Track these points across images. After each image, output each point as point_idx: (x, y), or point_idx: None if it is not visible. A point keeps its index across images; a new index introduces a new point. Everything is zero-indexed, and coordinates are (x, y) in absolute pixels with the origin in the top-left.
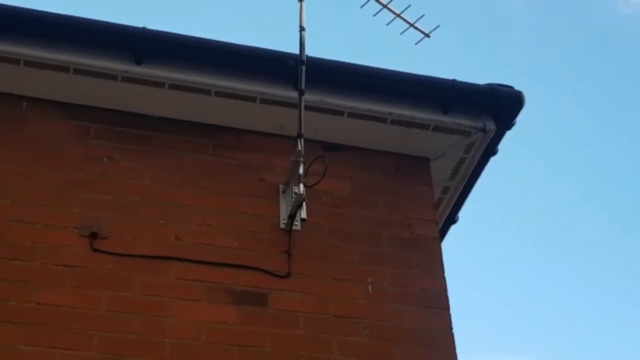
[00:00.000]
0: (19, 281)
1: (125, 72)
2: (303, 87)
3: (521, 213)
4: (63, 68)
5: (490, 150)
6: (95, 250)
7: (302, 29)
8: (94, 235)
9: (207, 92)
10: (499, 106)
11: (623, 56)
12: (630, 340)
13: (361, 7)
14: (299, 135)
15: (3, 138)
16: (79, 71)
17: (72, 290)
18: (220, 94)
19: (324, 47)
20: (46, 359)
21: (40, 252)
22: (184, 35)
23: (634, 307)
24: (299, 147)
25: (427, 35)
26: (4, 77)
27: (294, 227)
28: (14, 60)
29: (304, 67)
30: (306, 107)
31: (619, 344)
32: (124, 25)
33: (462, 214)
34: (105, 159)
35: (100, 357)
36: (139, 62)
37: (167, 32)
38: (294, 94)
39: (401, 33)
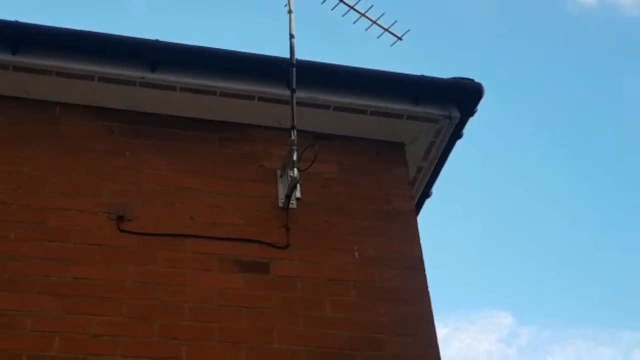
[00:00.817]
0: (57, 259)
1: (142, 78)
2: (294, 86)
3: (485, 185)
4: (89, 77)
5: (456, 134)
6: (122, 230)
7: (291, 36)
8: (120, 218)
9: (212, 93)
10: (462, 97)
11: (570, 53)
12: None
13: (343, 15)
14: (292, 127)
15: (40, 138)
16: (103, 79)
17: (103, 266)
18: (224, 94)
19: (311, 50)
20: (84, 324)
21: (75, 234)
22: (191, 45)
23: (592, 264)
24: (293, 138)
25: (400, 38)
26: (39, 86)
27: (290, 206)
28: (47, 72)
29: (294, 69)
30: (297, 103)
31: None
32: (139, 38)
33: (435, 189)
34: (127, 154)
35: (129, 322)
36: (153, 70)
37: (176, 43)
38: (286, 92)
39: (378, 37)
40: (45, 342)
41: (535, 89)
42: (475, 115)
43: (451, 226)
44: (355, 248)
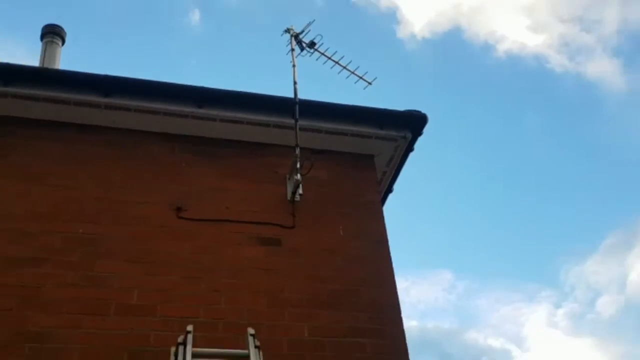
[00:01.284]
0: (136, 237)
1: (192, 112)
2: (297, 117)
3: (428, 183)
4: (157, 112)
5: (409, 149)
6: (180, 217)
7: (295, 82)
8: (178, 209)
9: (242, 122)
10: (413, 123)
11: (487, 91)
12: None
13: (331, 67)
14: (296, 145)
15: (121, 155)
16: (166, 113)
17: (166, 242)
18: (250, 123)
19: (309, 91)
20: (154, 282)
21: (147, 220)
22: (225, 90)
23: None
24: (297, 152)
25: (370, 83)
26: (122, 118)
27: (295, 199)
28: (127, 109)
29: (297, 106)
30: (300, 129)
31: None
32: (189, 85)
33: (395, 186)
34: (183, 164)
35: (185, 280)
36: (200, 107)
37: (214, 89)
38: (292, 121)
39: (355, 82)
40: (126, 294)
41: (462, 115)
42: (423, 135)
43: (407, 210)
44: (340, 227)
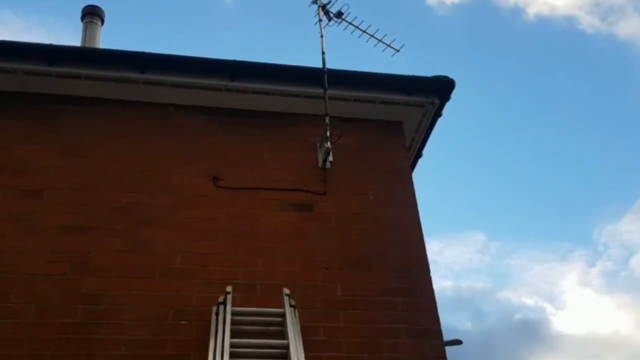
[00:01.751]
0: (177, 206)
1: (225, 85)
2: (326, 86)
3: (456, 147)
4: (192, 86)
5: (437, 114)
6: (217, 186)
7: (323, 53)
8: (215, 179)
9: (273, 94)
10: (440, 88)
11: (518, 52)
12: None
13: (359, 37)
14: (326, 114)
15: (162, 129)
16: (200, 87)
17: (205, 209)
18: (281, 94)
19: (337, 60)
20: (195, 247)
21: (185, 189)
22: (258, 62)
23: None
24: (326, 121)
25: (398, 50)
26: (159, 94)
27: (326, 166)
28: (163, 84)
29: (326, 75)
30: (329, 98)
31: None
32: (221, 59)
33: (424, 152)
34: (218, 135)
35: (223, 244)
36: (233, 80)
37: (247, 61)
38: (321, 91)
39: (383, 50)
40: (169, 259)
41: (492, 79)
42: (450, 101)
43: (440, 174)
44: (370, 192)
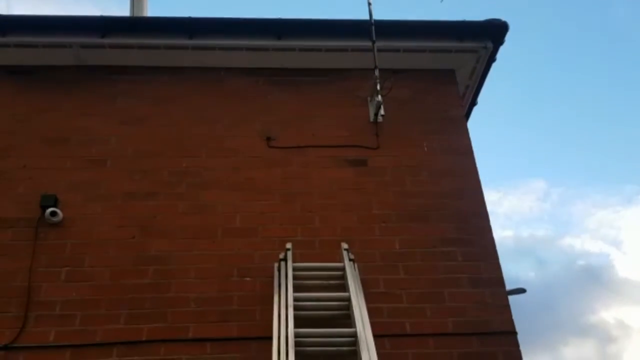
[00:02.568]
0: (233, 167)
1: (272, 44)
2: (374, 38)
3: (512, 93)
4: (240, 48)
5: (492, 59)
6: (270, 146)
7: (369, 3)
8: (268, 139)
9: (320, 50)
10: (493, 32)
11: None
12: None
13: None
14: (375, 67)
15: (211, 92)
16: (248, 48)
17: (260, 170)
18: (329, 49)
19: (384, 10)
20: (253, 206)
21: (241, 150)
22: (303, 19)
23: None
24: (376, 74)
25: None
26: (208, 58)
27: (378, 120)
28: (211, 48)
29: (373, 27)
30: (378, 50)
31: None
32: (267, 19)
33: (479, 99)
34: (269, 96)
35: (280, 203)
36: (279, 38)
37: (292, 19)
38: (369, 44)
39: None
40: (230, 218)
41: (544, 21)
42: (504, 45)
43: (496, 122)
44: (424, 144)
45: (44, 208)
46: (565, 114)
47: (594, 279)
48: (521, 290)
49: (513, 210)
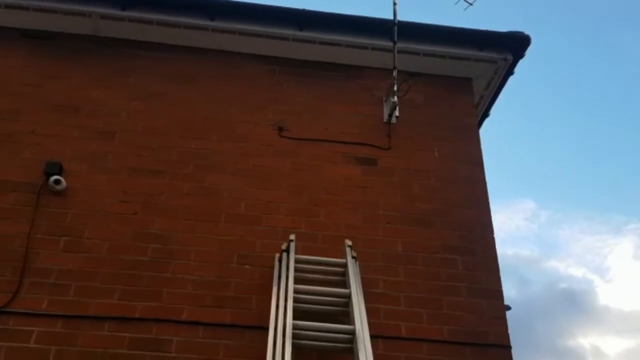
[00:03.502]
0: (242, 154)
1: (293, 35)
2: (395, 39)
3: (528, 107)
4: (259, 35)
5: (509, 72)
6: (282, 136)
7: (394, 4)
8: (280, 129)
9: (340, 45)
10: (514, 44)
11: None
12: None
13: None
14: (394, 68)
15: (227, 77)
16: (268, 36)
17: (269, 158)
18: (349, 45)
19: (408, 13)
20: (259, 195)
21: (251, 138)
22: (326, 12)
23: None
24: (394, 75)
25: (471, 4)
26: (227, 41)
27: (392, 121)
28: (232, 32)
29: (396, 27)
30: (397, 51)
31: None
32: (290, 8)
33: (492, 111)
34: (284, 86)
35: (287, 194)
36: (301, 29)
37: (315, 11)
38: (390, 44)
39: (455, 3)
40: (235, 205)
41: (554, 41)
42: (525, 58)
43: (492, 137)
44: (435, 149)
45: (48, 175)
46: (560, 139)
47: (574, 303)
48: (507, 307)
49: (500, 228)
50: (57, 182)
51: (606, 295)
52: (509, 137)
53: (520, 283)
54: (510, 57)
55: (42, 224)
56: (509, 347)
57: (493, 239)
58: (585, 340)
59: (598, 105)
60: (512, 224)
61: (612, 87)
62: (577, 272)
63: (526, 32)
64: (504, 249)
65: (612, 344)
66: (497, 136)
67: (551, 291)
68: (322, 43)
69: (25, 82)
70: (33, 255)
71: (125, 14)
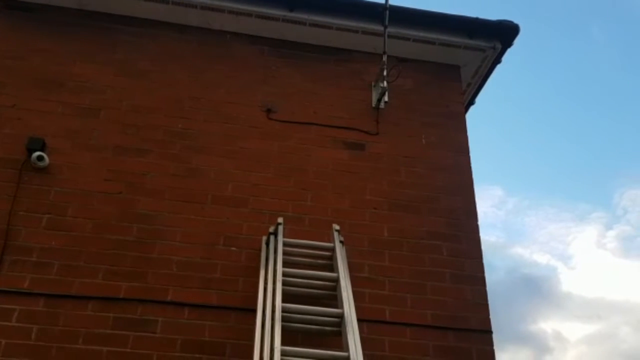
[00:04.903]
0: (230, 135)
1: (283, 15)
2: (387, 23)
3: (513, 96)
4: (249, 13)
5: (497, 60)
6: (270, 119)
7: None
8: (268, 111)
9: (330, 27)
10: (503, 33)
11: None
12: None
13: None
14: (384, 53)
15: (215, 56)
16: (258, 15)
17: (257, 141)
18: (339, 28)
19: None
20: (247, 177)
21: (239, 119)
22: None
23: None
24: (384, 60)
25: None
26: (216, 20)
27: (380, 106)
28: (221, 10)
29: (387, 12)
30: (388, 36)
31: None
32: None
33: (477, 99)
34: (273, 68)
35: (275, 177)
36: (291, 10)
37: None
38: (381, 28)
39: None
40: (221, 186)
41: (528, 33)
42: (513, 47)
43: (486, 122)
44: (423, 136)
45: (30, 151)
46: (530, 128)
47: (537, 289)
48: None
49: None
50: (40, 158)
51: (569, 281)
52: (477, 123)
53: (486, 269)
54: (498, 46)
55: (25, 201)
56: (490, 332)
57: (477, 226)
58: (547, 325)
59: (568, 94)
60: (479, 210)
61: (581, 74)
62: (542, 258)
63: (515, 22)
64: None
65: (573, 329)
66: (475, 121)
67: (515, 277)
68: (312, 25)
69: (6, 54)
70: (15, 233)
71: None
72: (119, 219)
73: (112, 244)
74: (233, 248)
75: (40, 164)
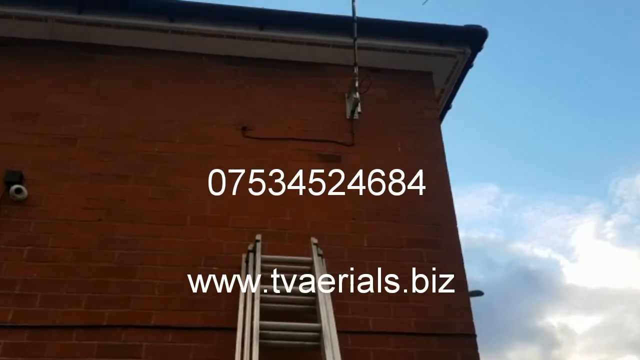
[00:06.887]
0: (204, 155)
1: (254, 34)
2: (355, 35)
3: (487, 99)
4: (219, 34)
5: (469, 65)
6: (246, 136)
7: (353, 1)
8: (244, 129)
9: (300, 42)
10: (472, 38)
11: None
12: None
13: None
14: (355, 64)
15: (189, 78)
16: (229, 36)
17: (234, 159)
18: (310, 43)
19: (368, 8)
20: (223, 195)
21: (215, 139)
22: (287, 11)
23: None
24: (355, 71)
25: None
26: (188, 43)
27: (354, 117)
28: (192, 33)
29: (355, 24)
30: (358, 47)
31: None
32: (251, 7)
33: (453, 103)
34: (247, 87)
35: (254, 189)
36: (262, 29)
37: (276, 10)
38: (351, 40)
39: None
40: (200, 207)
41: (509, 30)
42: (482, 51)
43: (452, 125)
44: (398, 144)
45: (8, 184)
46: (520, 123)
47: (541, 284)
48: (479, 293)
49: (463, 213)
50: (18, 191)
51: (572, 274)
52: (469, 123)
53: (488, 267)
54: (468, 51)
55: (5, 234)
56: (474, 336)
57: (456, 230)
58: (554, 319)
59: (554, 88)
60: (474, 208)
61: (568, 70)
62: (543, 253)
63: (483, 26)
64: (469, 233)
65: (579, 321)
66: (459, 122)
67: (518, 274)
68: (283, 41)
69: None
70: None
71: (82, 17)
72: (100, 246)
73: (93, 272)
74: (214, 267)
75: (19, 196)
